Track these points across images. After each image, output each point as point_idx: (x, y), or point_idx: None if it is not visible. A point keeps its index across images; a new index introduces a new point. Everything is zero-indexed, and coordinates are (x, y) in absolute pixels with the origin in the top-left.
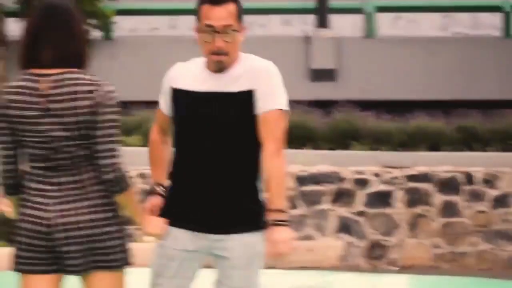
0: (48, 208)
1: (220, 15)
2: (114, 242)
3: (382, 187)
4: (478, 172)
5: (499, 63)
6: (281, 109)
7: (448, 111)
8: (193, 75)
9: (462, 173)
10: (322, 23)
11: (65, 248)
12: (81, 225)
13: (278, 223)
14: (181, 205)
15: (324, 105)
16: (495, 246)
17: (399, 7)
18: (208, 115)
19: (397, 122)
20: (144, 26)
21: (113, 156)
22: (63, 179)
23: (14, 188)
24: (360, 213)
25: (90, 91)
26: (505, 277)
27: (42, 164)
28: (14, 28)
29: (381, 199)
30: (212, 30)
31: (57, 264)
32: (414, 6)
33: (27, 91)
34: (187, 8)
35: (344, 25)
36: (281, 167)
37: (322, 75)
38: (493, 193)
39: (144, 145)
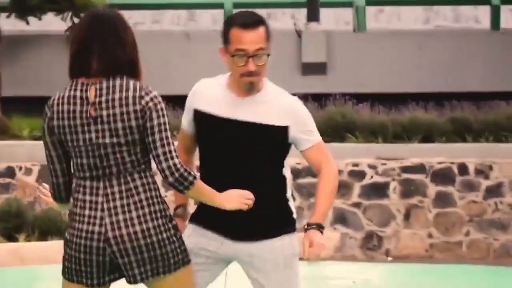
0: (100, 221)
1: (253, 39)
2: (170, 246)
3: (378, 179)
4: (471, 163)
5: (487, 55)
6: (320, 142)
7: (440, 103)
8: (218, 98)
9: (455, 164)
10: (313, 17)
11: (122, 260)
12: (134, 236)
13: (317, 227)
14: (213, 214)
15: (316, 99)
16: (488, 235)
17: (387, 1)
18: (237, 142)
19: (390, 114)
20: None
21: (172, 158)
22: (112, 189)
23: (66, 198)
24: (356, 205)
25: (141, 97)
26: (497, 265)
27: (90, 174)
28: (5, 23)
29: (377, 190)
30: (244, 54)
31: (111, 274)
32: None
33: (76, 100)
34: (171, 2)
35: (334, 19)
36: (336, 187)
37: (313, 68)
38: (486, 183)
39: None
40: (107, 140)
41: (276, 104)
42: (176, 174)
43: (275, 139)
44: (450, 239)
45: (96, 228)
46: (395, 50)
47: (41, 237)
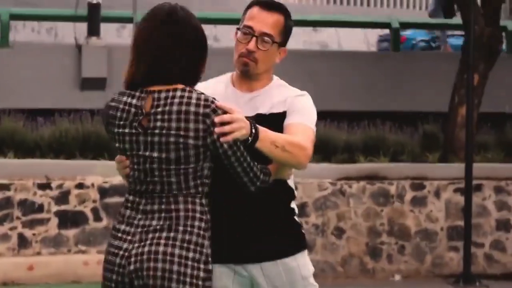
0: (131, 238)
1: (264, 20)
2: (185, 287)
3: None
4: None
5: None
6: (308, 125)
7: None
8: (222, 95)
9: None
10: (94, 31)
11: (137, 282)
12: (153, 255)
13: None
14: (216, 238)
15: (95, 114)
16: None
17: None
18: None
19: None
20: None
21: (251, 169)
22: (152, 207)
23: None
24: None
25: (206, 115)
26: None
27: (134, 187)
28: None
29: None
30: (250, 32)
31: None
32: None
33: (131, 108)
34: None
35: (114, 34)
36: (293, 153)
37: (93, 84)
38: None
39: None
40: (155, 154)
41: (280, 96)
42: (258, 183)
43: (276, 128)
44: None
45: (125, 245)
46: None
47: None
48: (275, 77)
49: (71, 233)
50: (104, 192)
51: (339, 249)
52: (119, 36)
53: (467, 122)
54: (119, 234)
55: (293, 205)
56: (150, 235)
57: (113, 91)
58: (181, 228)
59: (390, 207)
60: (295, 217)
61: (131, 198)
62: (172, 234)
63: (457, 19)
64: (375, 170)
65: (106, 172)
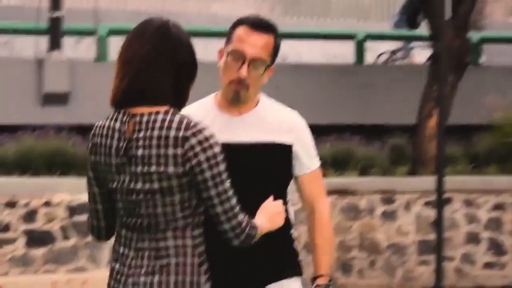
0: (125, 279)
1: (257, 42)
2: None
3: None
4: None
5: None
6: (318, 169)
7: None
8: (208, 121)
9: None
10: (55, 45)
11: None
12: None
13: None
14: (215, 266)
15: (57, 130)
16: None
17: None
18: (236, 170)
19: None
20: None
21: (235, 216)
22: (142, 244)
23: (107, 238)
24: None
25: (184, 138)
26: None
27: (125, 220)
28: None
29: None
30: (241, 56)
31: None
32: None
33: (114, 134)
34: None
35: (76, 48)
36: (332, 231)
37: (54, 99)
38: None
39: None
40: (139, 186)
41: (276, 120)
42: (242, 236)
43: (279, 160)
44: None
45: (120, 287)
46: None
47: None
48: (262, 94)
49: (39, 252)
50: (72, 210)
51: (310, 265)
52: (76, 50)
53: (439, 134)
54: (114, 274)
55: (293, 232)
56: (142, 279)
57: (76, 106)
58: (172, 268)
59: (360, 221)
60: (294, 245)
61: (123, 232)
62: (164, 278)
63: (422, 30)
64: (344, 185)
65: (74, 190)
